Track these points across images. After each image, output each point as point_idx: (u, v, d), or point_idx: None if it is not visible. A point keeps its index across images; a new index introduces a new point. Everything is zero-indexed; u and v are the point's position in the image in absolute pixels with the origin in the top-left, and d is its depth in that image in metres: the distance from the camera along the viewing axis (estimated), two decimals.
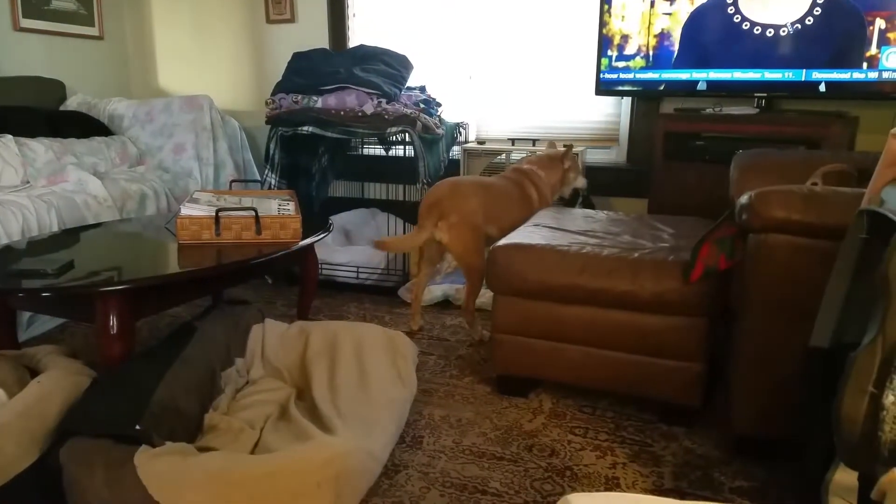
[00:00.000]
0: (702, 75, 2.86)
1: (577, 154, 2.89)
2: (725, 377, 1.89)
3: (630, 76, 2.99)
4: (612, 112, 3.36)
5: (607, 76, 3.03)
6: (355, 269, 3.14)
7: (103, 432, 1.40)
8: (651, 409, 1.97)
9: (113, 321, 1.71)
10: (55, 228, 2.55)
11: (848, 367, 0.81)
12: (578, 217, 2.46)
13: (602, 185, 3.32)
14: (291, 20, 3.83)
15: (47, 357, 1.75)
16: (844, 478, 1.01)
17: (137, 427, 1.39)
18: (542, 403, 2.05)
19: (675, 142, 2.86)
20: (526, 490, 1.60)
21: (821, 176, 1.93)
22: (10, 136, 2.87)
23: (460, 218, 2.40)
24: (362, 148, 3.67)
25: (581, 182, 2.89)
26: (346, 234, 3.53)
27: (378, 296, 3.09)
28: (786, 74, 2.72)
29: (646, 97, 3.17)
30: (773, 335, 1.58)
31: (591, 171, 3.30)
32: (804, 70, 2.69)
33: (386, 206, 3.63)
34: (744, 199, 1.57)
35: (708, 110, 2.90)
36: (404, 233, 3.18)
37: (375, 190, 3.76)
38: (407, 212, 3.32)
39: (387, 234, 3.06)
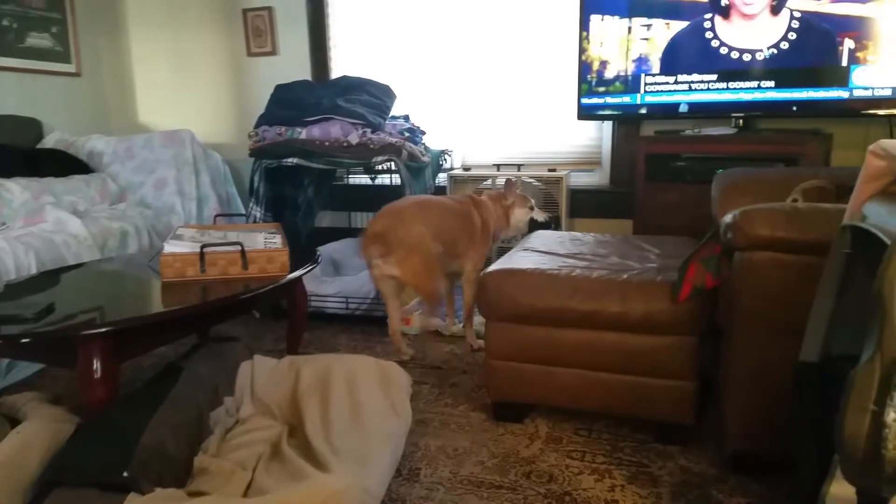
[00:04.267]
0: (681, 98, 2.90)
1: (528, 187, 2.94)
2: (717, 394, 1.89)
3: (610, 101, 3.04)
4: (595, 136, 3.40)
5: (588, 101, 3.08)
6: (344, 299, 3.11)
7: (89, 481, 1.35)
8: (646, 430, 1.96)
9: (96, 365, 1.66)
10: (33, 270, 2.50)
11: (848, 385, 0.80)
12: (566, 240, 2.46)
13: (587, 207, 3.35)
14: (273, 52, 3.86)
15: (28, 405, 1.69)
16: (841, 490, 1.00)
17: (125, 474, 1.35)
18: (538, 428, 2.03)
19: (657, 163, 2.90)
20: None
21: (801, 192, 1.95)
22: None
23: (408, 249, 2.37)
24: (348, 177, 3.67)
25: (539, 216, 2.89)
26: (334, 265, 3.50)
27: (369, 325, 3.06)
28: (761, 94, 2.78)
29: (626, 121, 3.21)
30: (762, 351, 1.59)
31: (576, 194, 3.33)
32: (779, 90, 2.74)
33: None
34: (728, 218, 1.59)
35: (687, 132, 2.94)
36: None
37: (363, 219, 3.76)
38: None
39: None
